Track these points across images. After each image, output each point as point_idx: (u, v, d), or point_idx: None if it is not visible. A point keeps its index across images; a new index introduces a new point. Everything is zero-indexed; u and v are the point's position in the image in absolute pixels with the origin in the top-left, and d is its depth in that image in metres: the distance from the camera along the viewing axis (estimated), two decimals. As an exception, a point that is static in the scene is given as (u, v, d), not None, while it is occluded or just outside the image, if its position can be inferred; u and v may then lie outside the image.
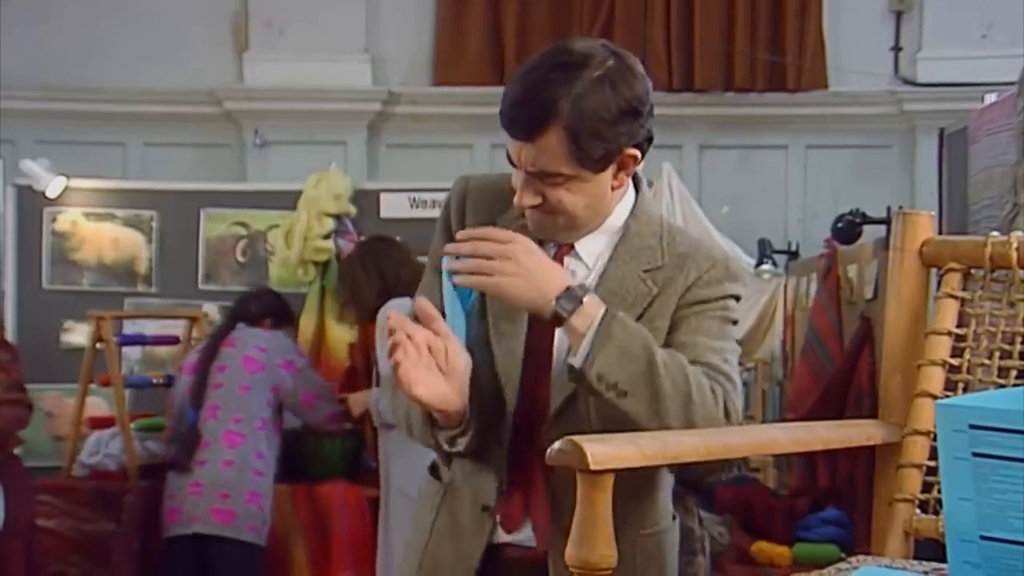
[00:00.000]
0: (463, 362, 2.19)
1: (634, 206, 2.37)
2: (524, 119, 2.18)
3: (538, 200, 2.22)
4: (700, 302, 2.30)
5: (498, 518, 2.32)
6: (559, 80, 2.17)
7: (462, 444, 2.27)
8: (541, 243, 2.28)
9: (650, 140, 2.29)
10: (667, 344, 2.25)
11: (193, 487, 5.33)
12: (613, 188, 2.30)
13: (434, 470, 2.48)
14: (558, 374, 2.26)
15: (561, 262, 2.31)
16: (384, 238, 5.58)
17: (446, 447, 2.30)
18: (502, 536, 2.34)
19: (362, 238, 6.37)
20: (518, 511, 2.32)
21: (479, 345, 2.30)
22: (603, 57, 2.20)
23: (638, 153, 2.27)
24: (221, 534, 5.30)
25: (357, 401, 5.71)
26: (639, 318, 2.24)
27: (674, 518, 2.45)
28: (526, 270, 2.14)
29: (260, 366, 5.45)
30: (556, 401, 2.27)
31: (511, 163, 2.26)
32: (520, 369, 2.30)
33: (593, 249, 2.34)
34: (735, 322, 2.37)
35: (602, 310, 2.15)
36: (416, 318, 2.18)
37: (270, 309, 5.73)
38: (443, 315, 2.20)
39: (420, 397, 2.15)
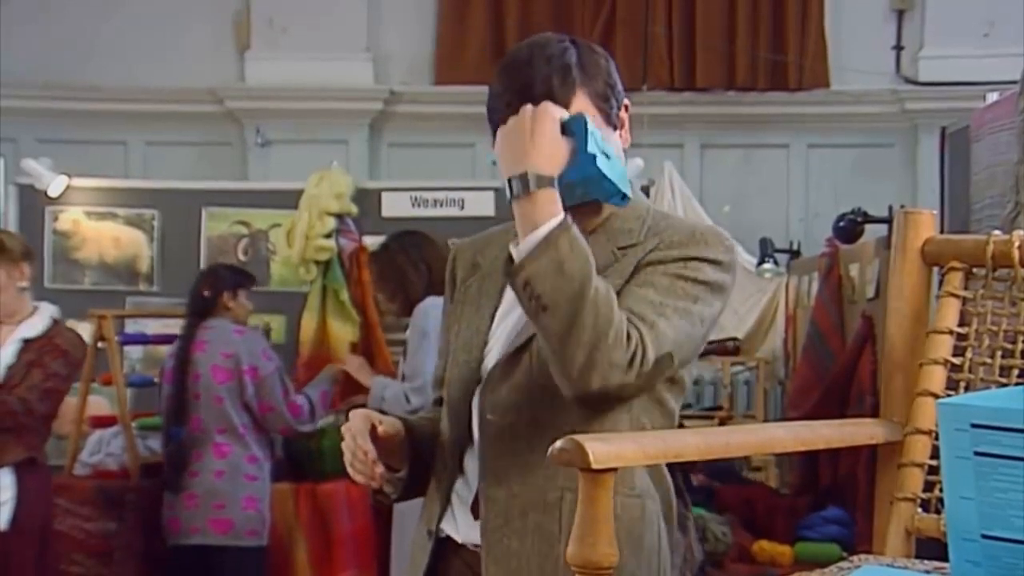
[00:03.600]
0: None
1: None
2: (555, 91, 2.24)
3: None
4: (656, 263, 2.22)
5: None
6: (556, 55, 2.28)
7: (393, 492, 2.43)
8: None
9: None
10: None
11: (188, 499, 5.35)
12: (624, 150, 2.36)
13: None
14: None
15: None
16: (418, 232, 5.49)
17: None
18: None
19: (364, 236, 6.37)
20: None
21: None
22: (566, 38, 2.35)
23: (628, 103, 2.37)
24: (221, 543, 5.31)
25: (359, 366, 5.69)
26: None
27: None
28: (520, 133, 2.15)
29: (227, 375, 5.39)
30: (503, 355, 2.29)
31: None
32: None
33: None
34: (704, 283, 2.21)
35: (559, 217, 2.08)
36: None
37: (222, 284, 5.60)
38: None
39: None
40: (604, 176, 2.20)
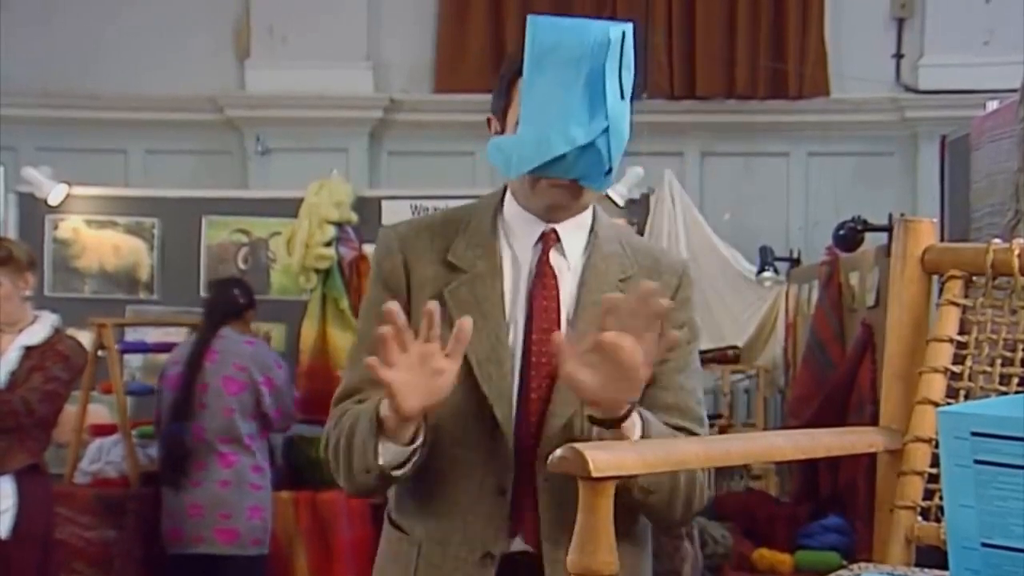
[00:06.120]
0: (450, 377, 2.09)
1: (593, 208, 2.40)
2: None
3: None
4: (677, 327, 2.23)
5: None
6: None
7: (407, 468, 2.19)
8: (545, 235, 2.32)
9: None
10: (656, 375, 2.19)
11: (193, 508, 5.33)
12: None
13: (395, 521, 2.39)
14: (560, 392, 2.24)
15: (547, 255, 2.31)
16: None
17: (384, 468, 2.17)
18: None
19: (364, 244, 6.38)
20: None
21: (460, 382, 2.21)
22: None
23: None
24: (227, 553, 5.31)
25: None
26: None
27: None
28: (631, 368, 2.02)
29: (241, 387, 5.41)
30: (554, 421, 2.25)
31: None
32: (515, 395, 2.26)
33: (574, 246, 2.34)
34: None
35: (640, 422, 2.12)
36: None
37: (250, 296, 5.69)
38: None
39: (409, 411, 2.07)
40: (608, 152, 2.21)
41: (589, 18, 2.24)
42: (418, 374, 2.05)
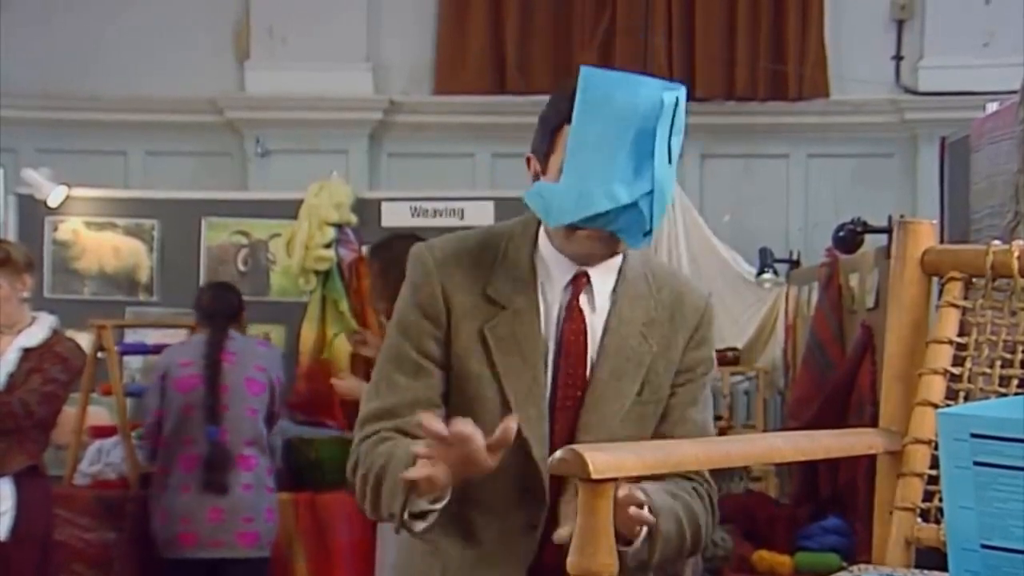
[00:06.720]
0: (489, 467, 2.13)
1: None
2: None
3: None
4: (693, 367, 2.41)
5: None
6: None
7: (431, 518, 2.19)
8: (577, 277, 2.34)
9: None
10: (667, 409, 2.38)
11: (214, 513, 5.28)
12: None
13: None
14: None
15: (577, 298, 2.33)
16: (414, 235, 5.42)
17: (409, 517, 2.19)
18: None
19: (363, 246, 6.37)
20: None
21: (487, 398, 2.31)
22: None
23: None
24: (246, 556, 5.29)
25: (351, 388, 5.60)
26: (642, 385, 2.33)
27: None
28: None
29: (262, 387, 5.42)
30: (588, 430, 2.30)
31: None
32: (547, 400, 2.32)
33: (602, 288, 2.35)
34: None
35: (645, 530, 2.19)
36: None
37: (240, 300, 5.68)
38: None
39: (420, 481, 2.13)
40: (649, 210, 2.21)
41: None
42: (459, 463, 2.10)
